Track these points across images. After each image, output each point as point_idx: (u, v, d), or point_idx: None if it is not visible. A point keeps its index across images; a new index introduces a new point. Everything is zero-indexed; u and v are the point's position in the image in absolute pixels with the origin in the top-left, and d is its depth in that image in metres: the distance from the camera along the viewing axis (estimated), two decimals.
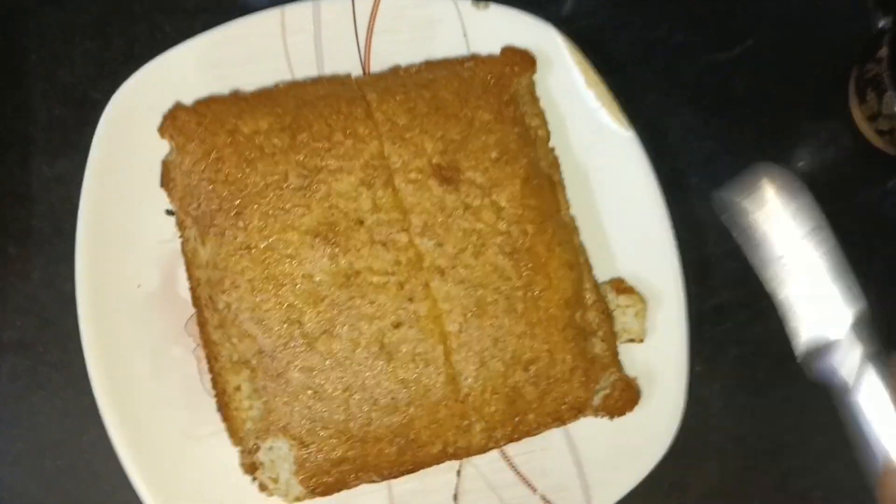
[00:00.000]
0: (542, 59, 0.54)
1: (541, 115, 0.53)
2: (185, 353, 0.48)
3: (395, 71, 0.52)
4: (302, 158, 0.47)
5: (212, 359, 0.47)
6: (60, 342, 0.49)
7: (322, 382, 0.45)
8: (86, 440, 0.48)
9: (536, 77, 0.53)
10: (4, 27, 0.54)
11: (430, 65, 0.52)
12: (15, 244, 0.50)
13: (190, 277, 0.48)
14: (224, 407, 0.46)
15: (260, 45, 0.52)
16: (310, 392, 0.45)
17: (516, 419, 0.47)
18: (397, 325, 0.46)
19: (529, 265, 0.48)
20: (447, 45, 0.54)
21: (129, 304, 0.48)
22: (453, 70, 0.51)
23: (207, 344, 0.47)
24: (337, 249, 0.46)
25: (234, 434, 0.46)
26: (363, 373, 0.45)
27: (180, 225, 0.48)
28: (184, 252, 0.48)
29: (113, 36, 0.54)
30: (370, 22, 0.54)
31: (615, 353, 0.51)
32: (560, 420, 0.49)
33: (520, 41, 0.54)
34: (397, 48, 0.54)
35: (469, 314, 0.47)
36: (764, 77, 0.61)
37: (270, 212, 0.46)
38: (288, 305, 0.45)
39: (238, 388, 0.46)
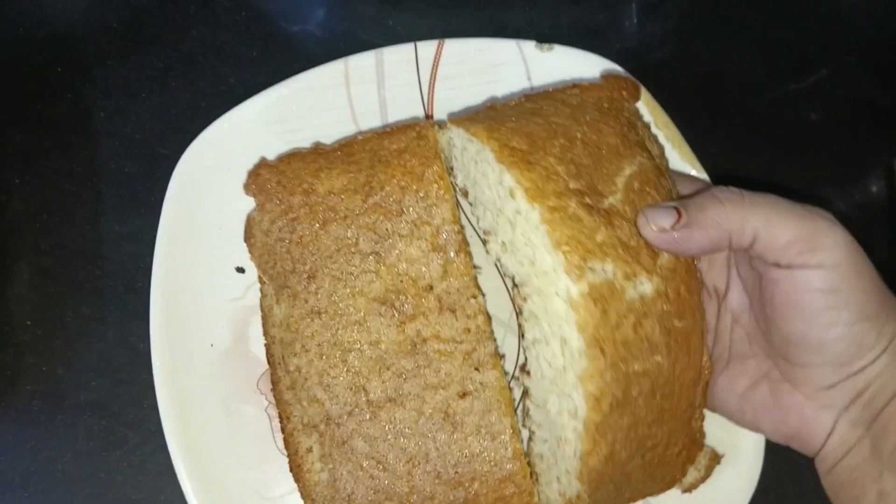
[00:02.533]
0: None
1: (657, 142, 0.47)
2: (257, 411, 0.48)
3: (492, 107, 0.47)
4: (373, 222, 0.46)
5: (284, 418, 0.47)
6: (135, 401, 0.49)
7: (385, 452, 0.44)
8: (162, 499, 0.48)
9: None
10: (71, 84, 0.55)
11: (529, 97, 0.47)
12: (89, 304, 0.51)
13: (266, 334, 0.48)
14: (296, 468, 0.46)
15: (324, 96, 0.52)
16: (373, 461, 0.44)
17: (616, 494, 0.44)
18: (463, 395, 0.45)
19: (680, 339, 0.41)
20: (510, 89, 0.53)
21: (201, 362, 0.48)
22: (558, 98, 0.46)
23: (280, 403, 0.47)
24: (404, 317, 0.45)
25: (307, 496, 0.45)
26: (427, 444, 0.44)
27: (260, 280, 0.48)
28: (261, 308, 0.48)
29: (178, 90, 0.55)
30: (433, 68, 0.53)
31: (703, 428, 0.47)
32: (649, 496, 0.47)
33: (584, 79, 0.53)
34: (460, 93, 0.53)
35: (613, 402, 0.39)
36: (839, 109, 0.59)
37: (340, 276, 0.46)
38: (354, 372, 0.45)
39: (310, 450, 0.46)
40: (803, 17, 0.61)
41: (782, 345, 0.41)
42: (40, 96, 0.54)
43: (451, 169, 0.51)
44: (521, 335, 0.44)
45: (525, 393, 0.45)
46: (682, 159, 0.53)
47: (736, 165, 0.57)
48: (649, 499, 0.48)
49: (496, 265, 0.51)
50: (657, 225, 0.40)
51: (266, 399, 0.49)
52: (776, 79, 0.59)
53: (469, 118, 0.45)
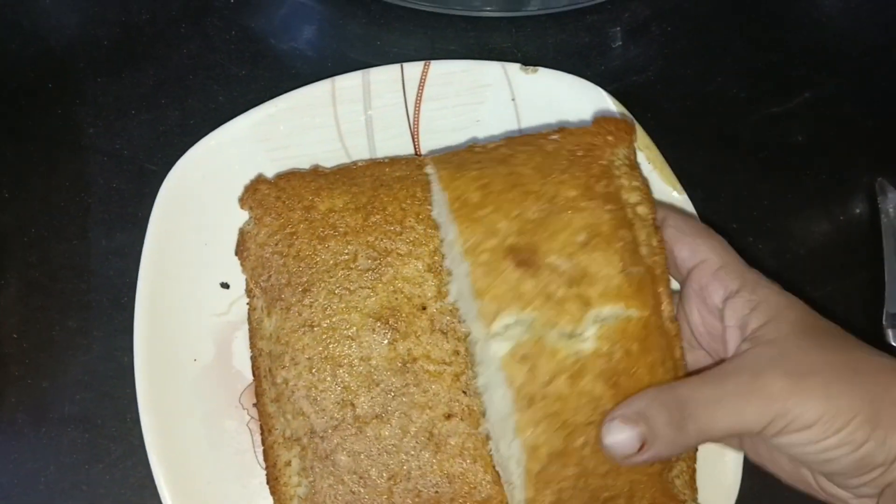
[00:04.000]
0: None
1: (641, 189, 0.45)
2: (238, 426, 0.49)
3: (470, 148, 0.47)
4: (373, 240, 0.47)
5: (265, 431, 0.47)
6: (119, 414, 0.50)
7: (368, 468, 0.44)
8: None
9: (568, 122, 0.52)
10: (62, 100, 0.55)
11: (510, 141, 0.47)
12: (75, 318, 0.51)
13: (252, 347, 0.49)
14: (273, 480, 0.47)
15: (311, 115, 0.53)
16: (355, 476, 0.44)
17: None
18: (448, 417, 0.45)
19: (633, 391, 0.40)
20: (495, 110, 0.54)
21: (185, 377, 0.49)
22: (536, 144, 0.46)
23: (262, 415, 0.48)
24: (397, 335, 0.46)
25: None
26: (409, 462, 0.45)
27: (249, 294, 0.49)
28: (249, 321, 0.49)
29: (168, 108, 0.55)
30: (419, 89, 0.54)
31: (694, 490, 0.45)
32: None
33: (569, 103, 0.54)
34: (445, 114, 0.54)
35: (552, 452, 0.39)
36: (822, 131, 0.60)
37: (336, 291, 0.46)
38: (343, 387, 0.45)
39: (288, 464, 0.46)
40: (787, 40, 0.62)
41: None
42: (30, 112, 0.55)
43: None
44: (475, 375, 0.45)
45: (487, 436, 0.45)
46: (663, 181, 0.53)
47: (719, 186, 0.58)
48: None
49: None
50: (615, 451, 0.38)
51: (248, 414, 0.49)
52: (759, 101, 0.60)
53: (444, 158, 0.47)
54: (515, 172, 0.43)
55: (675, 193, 0.53)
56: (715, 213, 0.55)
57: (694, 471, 0.45)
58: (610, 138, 0.46)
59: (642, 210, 0.44)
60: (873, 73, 0.61)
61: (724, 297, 0.42)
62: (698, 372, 0.40)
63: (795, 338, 0.38)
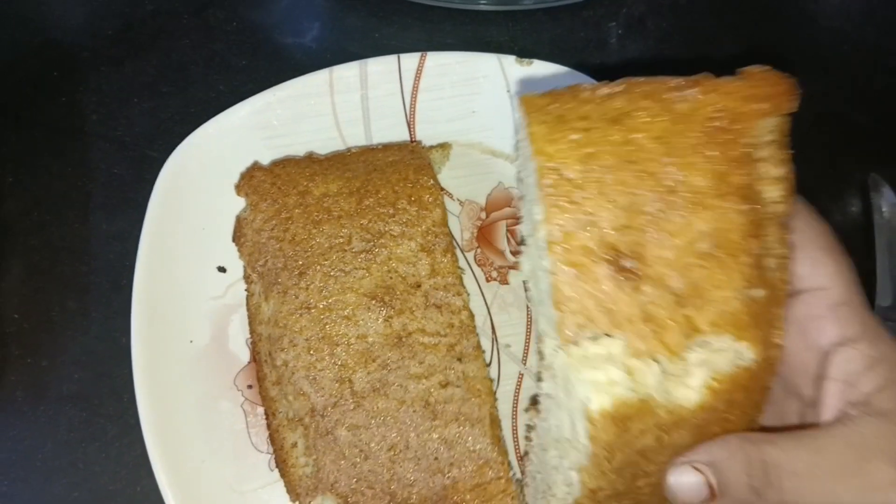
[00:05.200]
0: None
1: (785, 180, 0.35)
2: (233, 407, 0.50)
3: (575, 91, 0.36)
4: (367, 222, 0.48)
5: (269, 414, 0.48)
6: (116, 394, 0.50)
7: (368, 441, 0.45)
8: (139, 490, 0.49)
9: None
10: (66, 87, 0.56)
11: (630, 87, 0.36)
12: (74, 299, 0.52)
13: (252, 332, 0.50)
14: (281, 463, 0.47)
15: (309, 104, 0.54)
16: (356, 450, 0.45)
17: None
18: (444, 385, 0.46)
19: (717, 435, 0.34)
20: (491, 101, 0.55)
21: (181, 358, 0.50)
22: (663, 99, 0.34)
23: (265, 399, 0.48)
24: (392, 312, 0.47)
25: (292, 490, 0.46)
26: (408, 431, 0.45)
27: (247, 279, 0.50)
28: (248, 306, 0.50)
29: (169, 96, 0.56)
30: (415, 80, 0.55)
31: None
32: None
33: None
34: (441, 104, 0.55)
35: (612, 494, 0.35)
36: (815, 128, 0.60)
37: (332, 273, 0.47)
38: (340, 365, 0.46)
39: (294, 445, 0.47)
40: (780, 37, 0.62)
41: None
42: (35, 99, 0.56)
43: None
44: (539, 378, 0.41)
45: (531, 426, 0.44)
46: None
47: None
48: None
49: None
50: (676, 497, 0.33)
51: (242, 395, 0.50)
52: None
53: (538, 101, 0.36)
54: (632, 142, 0.33)
55: None
56: None
57: None
58: (764, 105, 0.34)
59: (779, 209, 0.35)
60: (866, 71, 0.62)
61: (836, 341, 0.34)
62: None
63: None
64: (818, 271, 0.35)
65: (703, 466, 0.32)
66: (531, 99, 0.36)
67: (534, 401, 0.44)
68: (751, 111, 0.34)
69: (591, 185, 0.33)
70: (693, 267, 0.32)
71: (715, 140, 0.33)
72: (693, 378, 0.33)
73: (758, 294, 0.33)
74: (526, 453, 0.47)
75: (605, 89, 0.36)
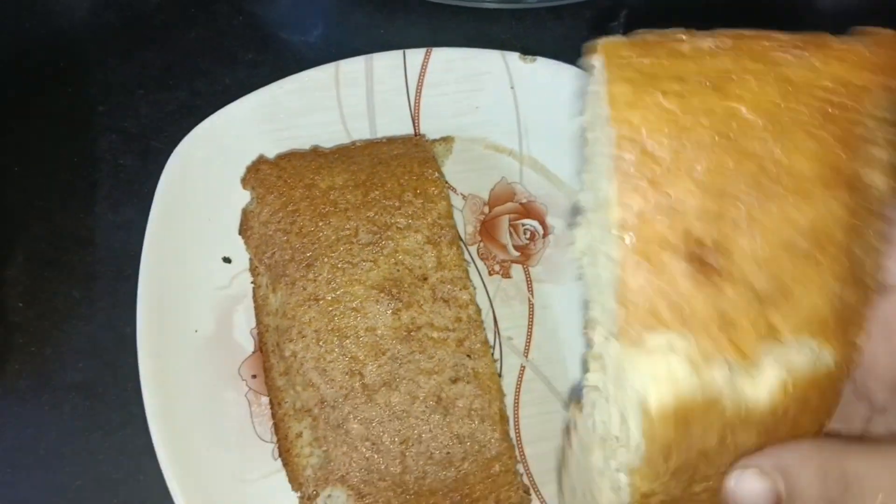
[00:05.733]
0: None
1: (894, 165, 0.31)
2: (237, 397, 0.50)
3: (667, 40, 0.32)
4: (373, 215, 0.49)
5: (275, 404, 0.48)
6: (120, 383, 0.51)
7: (380, 434, 0.46)
8: (143, 479, 0.49)
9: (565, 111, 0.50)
10: (73, 79, 0.57)
11: (738, 40, 0.31)
12: (79, 288, 0.52)
13: (259, 323, 0.50)
14: (285, 452, 0.48)
15: (315, 98, 0.54)
16: (368, 443, 0.45)
17: None
18: (455, 381, 0.46)
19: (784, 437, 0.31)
20: (495, 97, 0.56)
21: (185, 347, 0.50)
22: (776, 62, 0.30)
23: (272, 389, 0.49)
24: (400, 304, 0.47)
25: (294, 480, 0.47)
26: (420, 426, 0.46)
27: (253, 272, 0.50)
28: (254, 298, 0.50)
29: (176, 88, 0.57)
30: (420, 75, 0.55)
31: None
32: None
33: (566, 92, 0.55)
34: (446, 100, 0.56)
35: (665, 500, 0.32)
36: None
37: (339, 265, 0.48)
38: (350, 357, 0.46)
39: (299, 435, 0.47)
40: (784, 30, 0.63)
41: None
42: (43, 89, 0.56)
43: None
44: (585, 368, 0.38)
45: (571, 424, 0.41)
46: None
47: None
48: None
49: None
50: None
51: (247, 385, 0.50)
52: None
53: (622, 49, 0.32)
54: (735, 114, 0.29)
55: None
56: None
57: None
58: (891, 80, 0.30)
59: (883, 198, 0.30)
60: None
61: None
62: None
63: None
64: None
65: (773, 471, 0.29)
66: (614, 46, 0.31)
67: (577, 400, 0.39)
68: (873, 84, 0.29)
69: (679, 166, 0.28)
70: (784, 265, 0.28)
71: (828, 118, 0.29)
72: (766, 377, 0.29)
73: (849, 296, 0.29)
74: (560, 468, 0.45)
75: (709, 41, 0.31)
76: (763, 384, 0.29)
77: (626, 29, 0.62)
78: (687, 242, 0.28)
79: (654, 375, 0.29)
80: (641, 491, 0.31)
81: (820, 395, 0.30)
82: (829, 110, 0.29)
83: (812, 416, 0.31)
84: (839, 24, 0.62)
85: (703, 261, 0.28)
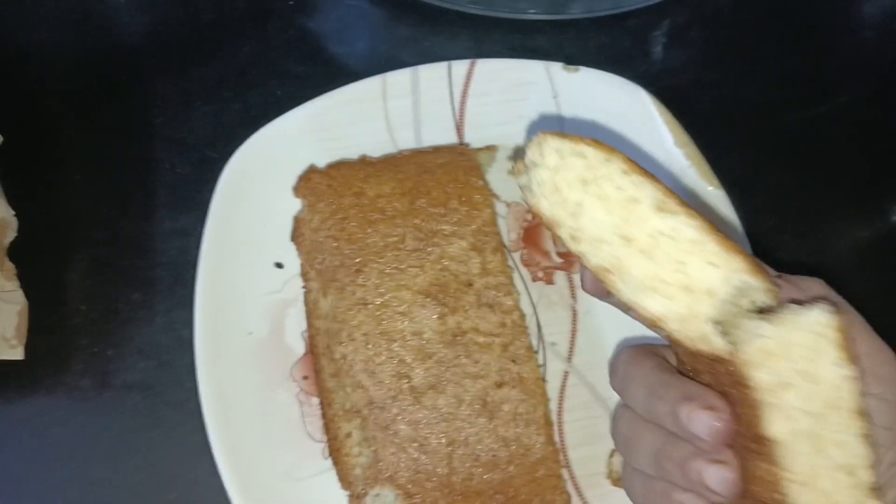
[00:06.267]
0: (632, 118, 0.55)
1: None
2: (289, 398, 0.52)
3: None
4: (419, 222, 0.50)
5: (325, 405, 0.50)
6: (178, 383, 0.53)
7: (427, 435, 0.47)
8: (199, 475, 0.51)
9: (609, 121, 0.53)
10: (132, 92, 0.59)
11: None
12: (139, 292, 0.55)
13: (309, 326, 0.51)
14: (335, 452, 0.49)
15: (363, 109, 0.56)
16: (416, 444, 0.47)
17: None
18: (500, 385, 0.48)
19: None
20: (538, 107, 0.57)
21: (240, 349, 0.52)
22: None
23: (322, 391, 0.50)
24: (446, 309, 0.48)
25: (344, 479, 0.48)
26: (466, 429, 0.47)
27: (304, 277, 0.52)
28: (305, 302, 0.52)
29: (229, 100, 0.59)
30: (465, 86, 0.57)
31: None
32: None
33: (609, 101, 0.56)
34: (489, 109, 0.57)
35: None
36: (858, 133, 0.61)
37: (387, 270, 0.49)
38: (399, 360, 0.48)
39: (349, 435, 0.49)
40: (824, 45, 0.63)
41: None
42: (103, 103, 0.59)
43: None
44: None
45: None
46: (700, 177, 0.55)
47: (755, 185, 0.59)
48: None
49: None
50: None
51: (298, 386, 0.52)
52: (795, 104, 0.61)
53: (559, 134, 0.37)
54: None
55: (710, 188, 0.55)
56: (751, 211, 0.56)
57: None
58: None
59: None
60: None
61: None
62: None
63: None
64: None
65: None
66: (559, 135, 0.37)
67: None
68: None
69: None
70: None
71: None
72: None
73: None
74: None
75: None
76: None
77: (668, 38, 0.63)
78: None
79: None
80: None
81: None
82: None
83: None
84: (882, 37, 0.63)
85: None
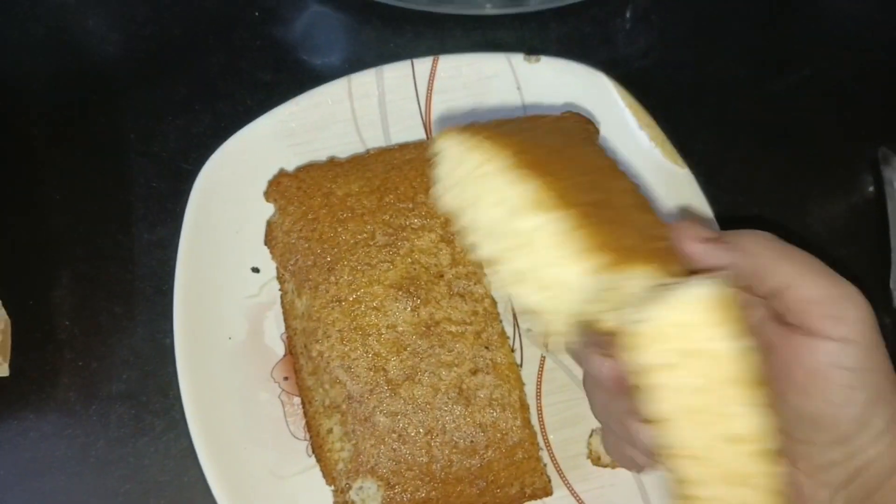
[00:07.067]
0: (595, 104, 0.56)
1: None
2: (271, 398, 0.52)
3: (477, 124, 0.43)
4: (388, 218, 0.51)
5: (306, 403, 0.51)
6: (162, 391, 0.54)
7: (406, 426, 0.48)
8: (186, 480, 0.52)
9: (573, 107, 0.55)
10: (106, 109, 0.60)
11: (516, 120, 0.48)
12: (120, 304, 0.56)
13: (287, 327, 0.52)
14: (318, 448, 0.50)
15: (330, 111, 0.57)
16: (395, 435, 0.48)
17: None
18: (475, 372, 0.48)
19: None
20: (502, 99, 0.58)
21: (220, 354, 0.52)
22: (545, 124, 0.48)
23: (302, 389, 0.51)
24: (418, 301, 0.49)
25: (328, 474, 0.49)
26: (443, 417, 0.48)
27: (280, 279, 0.53)
28: (282, 304, 0.53)
29: (200, 112, 0.60)
30: (429, 83, 0.58)
31: None
32: None
33: (571, 89, 0.57)
34: (455, 105, 0.58)
35: None
36: (823, 105, 0.62)
37: (359, 267, 0.50)
38: (374, 354, 0.49)
39: (330, 431, 0.49)
40: (784, 21, 0.64)
41: (788, 419, 0.37)
42: (78, 121, 0.60)
43: None
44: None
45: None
46: (665, 157, 0.56)
47: (720, 163, 0.60)
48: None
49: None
50: (693, 233, 0.37)
51: (279, 387, 0.53)
52: (758, 79, 0.62)
53: (464, 129, 0.40)
54: (545, 143, 0.41)
55: (676, 168, 0.55)
56: (720, 189, 0.57)
57: None
58: (590, 127, 0.49)
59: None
60: (871, 48, 0.63)
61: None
62: None
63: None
64: (779, 278, 0.37)
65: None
66: (456, 129, 0.40)
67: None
68: (591, 129, 0.47)
69: (553, 163, 0.37)
70: (637, 215, 0.37)
71: (588, 142, 0.44)
72: None
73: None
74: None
75: (494, 122, 0.42)
76: None
77: (630, 24, 0.64)
78: (589, 203, 0.35)
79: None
80: None
81: None
82: (587, 136, 0.47)
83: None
84: (845, 7, 0.63)
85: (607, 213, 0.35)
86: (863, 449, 0.36)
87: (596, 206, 0.35)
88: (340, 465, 0.49)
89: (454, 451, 0.48)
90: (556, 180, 0.35)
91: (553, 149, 0.39)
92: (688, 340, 0.33)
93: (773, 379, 0.36)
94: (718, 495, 0.33)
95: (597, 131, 0.52)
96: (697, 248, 0.37)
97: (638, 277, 0.34)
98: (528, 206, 0.35)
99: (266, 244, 0.54)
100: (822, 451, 0.37)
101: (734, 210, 0.58)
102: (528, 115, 0.51)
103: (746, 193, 0.60)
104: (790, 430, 0.37)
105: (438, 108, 0.58)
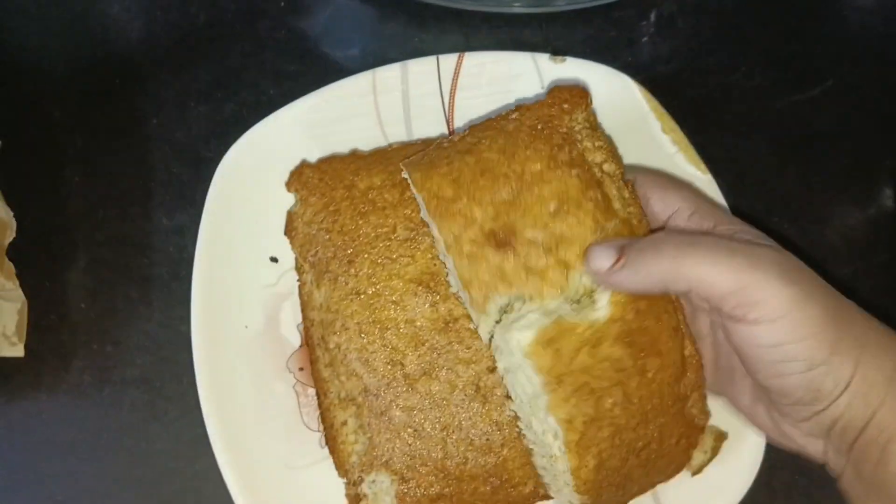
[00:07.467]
0: (619, 106, 0.56)
1: (605, 148, 0.48)
2: (286, 389, 0.52)
3: (439, 144, 0.50)
4: (409, 213, 0.51)
5: (321, 394, 0.51)
6: (176, 377, 0.54)
7: (421, 421, 0.48)
8: (198, 468, 0.52)
9: (596, 109, 0.52)
10: (128, 95, 0.60)
11: (474, 128, 0.49)
12: (137, 289, 0.56)
13: (304, 318, 0.52)
14: (331, 440, 0.50)
15: (353, 104, 0.57)
16: (410, 430, 0.47)
17: (621, 494, 0.46)
18: (492, 370, 0.48)
19: (646, 346, 0.43)
20: (526, 97, 0.57)
21: (237, 342, 0.52)
22: (497, 127, 0.48)
23: (317, 381, 0.51)
24: (437, 297, 0.49)
25: (340, 466, 0.49)
26: (460, 414, 0.48)
27: (298, 270, 0.53)
28: (300, 294, 0.53)
29: (223, 100, 0.60)
30: (453, 79, 0.58)
31: (707, 414, 0.48)
32: (657, 484, 0.49)
33: (596, 91, 0.56)
34: (478, 102, 0.57)
35: (586, 420, 0.42)
36: (845, 117, 0.62)
37: (379, 261, 0.50)
38: (392, 348, 0.48)
39: (345, 423, 0.49)
40: (810, 31, 0.64)
41: (763, 390, 0.42)
42: (101, 106, 0.60)
43: None
44: (493, 369, 0.48)
45: (515, 416, 0.47)
46: (688, 162, 0.56)
47: (744, 170, 0.60)
48: (658, 487, 0.50)
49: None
50: (594, 266, 0.42)
51: (294, 377, 0.53)
52: (782, 89, 0.62)
53: (415, 160, 0.49)
54: (482, 159, 0.46)
55: (699, 173, 0.55)
56: (741, 196, 0.57)
57: (704, 396, 0.48)
58: (565, 106, 0.48)
59: (609, 167, 0.47)
60: (894, 62, 0.63)
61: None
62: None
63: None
64: (667, 201, 0.46)
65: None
66: (409, 163, 0.48)
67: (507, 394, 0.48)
68: (559, 111, 0.48)
69: (462, 197, 0.44)
70: (551, 223, 0.43)
71: (539, 137, 0.46)
72: (599, 298, 0.43)
73: (611, 225, 0.44)
74: (531, 454, 0.48)
75: (458, 136, 0.48)
76: (598, 304, 0.42)
77: (655, 28, 0.64)
78: (486, 235, 0.44)
79: (520, 328, 0.42)
80: (564, 419, 0.41)
81: (647, 301, 0.43)
82: (537, 133, 0.47)
83: (653, 319, 0.43)
84: (869, 22, 0.63)
85: (500, 240, 0.43)
86: (826, 409, 0.39)
87: (489, 236, 0.44)
88: (354, 458, 0.49)
89: (469, 448, 0.47)
90: (456, 219, 0.44)
91: (477, 172, 0.45)
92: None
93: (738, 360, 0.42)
94: None
95: (575, 106, 0.49)
96: (600, 277, 0.42)
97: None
98: (442, 245, 0.46)
99: (286, 234, 0.54)
100: (794, 410, 0.41)
101: (753, 219, 0.58)
102: (493, 118, 0.50)
103: (766, 201, 0.60)
104: (764, 393, 0.42)
105: (461, 104, 0.58)
